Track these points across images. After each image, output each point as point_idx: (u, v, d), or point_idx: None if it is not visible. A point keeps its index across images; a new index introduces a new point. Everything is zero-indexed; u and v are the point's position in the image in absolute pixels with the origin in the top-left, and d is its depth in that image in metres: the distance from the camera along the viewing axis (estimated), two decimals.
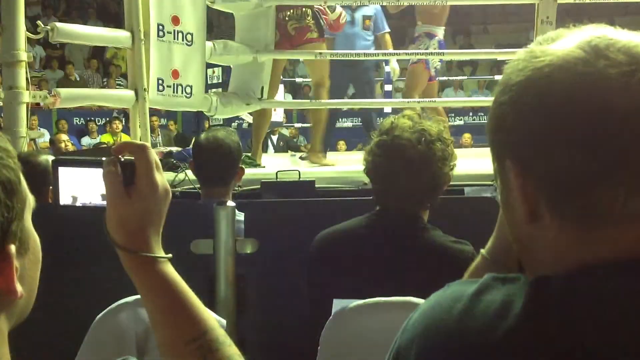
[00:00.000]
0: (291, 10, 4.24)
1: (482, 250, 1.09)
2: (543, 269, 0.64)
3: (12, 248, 0.65)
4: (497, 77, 9.64)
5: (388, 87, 7.37)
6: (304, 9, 4.26)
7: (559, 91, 0.61)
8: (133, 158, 0.90)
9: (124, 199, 0.88)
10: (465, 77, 12.33)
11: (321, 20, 4.36)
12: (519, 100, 0.63)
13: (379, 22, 5.19)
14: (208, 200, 2.46)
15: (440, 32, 4.97)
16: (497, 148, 0.67)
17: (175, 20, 3.53)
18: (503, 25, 17.13)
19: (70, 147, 7.93)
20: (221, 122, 7.20)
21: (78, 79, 11.49)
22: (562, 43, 0.64)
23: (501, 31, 16.88)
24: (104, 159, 0.91)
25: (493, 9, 17.13)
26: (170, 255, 0.92)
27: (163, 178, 0.92)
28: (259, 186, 3.05)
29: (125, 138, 10.17)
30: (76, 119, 10.99)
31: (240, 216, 2.37)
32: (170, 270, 0.91)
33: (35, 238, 0.70)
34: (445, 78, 10.34)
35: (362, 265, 1.75)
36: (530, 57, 0.64)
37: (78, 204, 0.94)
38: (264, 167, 4.23)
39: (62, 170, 0.93)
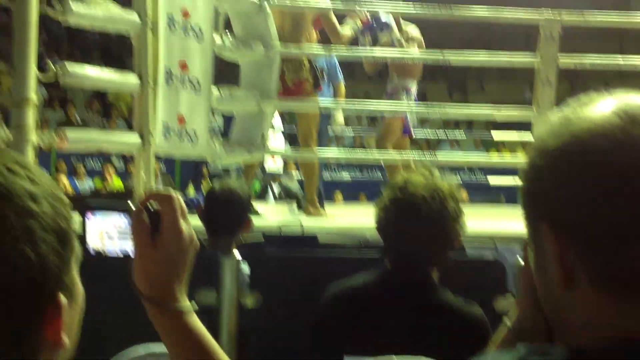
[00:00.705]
0: (289, 62, 4.30)
1: (506, 320, 1.07)
2: (577, 338, 0.63)
3: (63, 298, 0.64)
4: (494, 134, 9.77)
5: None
6: (301, 59, 4.33)
7: (598, 158, 0.61)
8: (159, 207, 0.89)
9: (151, 249, 0.88)
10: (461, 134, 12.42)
11: (317, 71, 4.41)
12: (557, 165, 0.63)
13: (333, 72, 5.20)
14: (213, 250, 2.44)
15: (414, 87, 4.99)
16: (532, 212, 0.67)
17: (183, 66, 3.56)
18: (499, 85, 17.40)
19: (70, 190, 7.91)
20: (220, 171, 7.20)
21: (79, 119, 11.54)
22: (597, 109, 0.64)
23: (497, 90, 17.13)
24: (131, 205, 0.91)
25: (489, 67, 17.41)
26: (196, 307, 0.91)
27: (189, 227, 0.91)
28: (260, 236, 3.03)
29: (117, 182, 10.16)
30: (73, 159, 10.99)
31: (244, 268, 2.35)
32: (195, 321, 0.90)
33: (80, 288, 0.70)
34: (442, 134, 10.43)
35: (372, 323, 1.73)
36: (566, 122, 0.65)
37: (104, 249, 0.94)
38: (262, 215, 4.21)
39: (89, 215, 0.93)
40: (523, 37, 15.95)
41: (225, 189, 2.49)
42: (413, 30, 4.93)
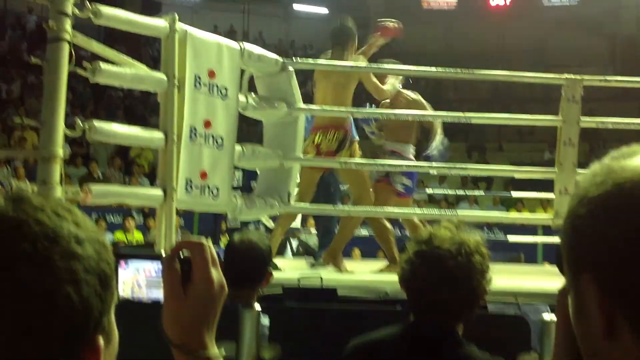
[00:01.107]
0: (325, 131, 4.53)
1: None
2: None
3: (101, 340, 0.66)
4: (514, 194, 9.76)
5: None
6: (331, 131, 4.53)
7: None
8: (190, 255, 0.91)
9: (181, 297, 0.89)
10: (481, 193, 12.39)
11: (348, 138, 4.59)
12: (599, 215, 0.63)
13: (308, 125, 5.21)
14: (234, 303, 2.45)
15: (409, 151, 4.94)
16: (573, 261, 0.67)
17: (208, 124, 3.65)
18: (518, 144, 17.43)
19: None
20: (238, 226, 7.23)
21: (101, 176, 11.70)
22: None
23: (516, 149, 17.15)
24: (162, 254, 0.93)
25: (508, 127, 17.50)
26: (224, 352, 0.92)
27: (220, 274, 0.93)
28: (279, 289, 3.03)
29: (137, 236, 10.23)
30: (94, 215, 11.09)
31: (264, 320, 2.36)
32: None
33: (116, 331, 0.72)
34: (462, 192, 10.41)
35: None
36: (609, 171, 0.65)
37: (134, 297, 0.95)
38: (283, 270, 4.21)
39: (121, 263, 0.95)
40: (540, 97, 16.07)
41: (245, 240, 2.51)
42: (412, 95, 4.97)
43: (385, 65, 4.68)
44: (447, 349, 1.73)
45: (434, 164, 4.90)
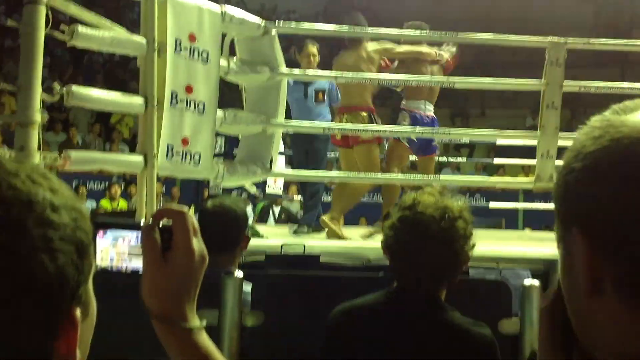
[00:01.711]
0: (350, 114, 4.73)
1: None
2: (601, 349, 0.62)
3: (78, 312, 0.63)
4: (496, 160, 9.82)
5: None
6: (360, 113, 4.73)
7: (638, 164, 0.59)
8: (170, 223, 0.89)
9: (162, 267, 0.87)
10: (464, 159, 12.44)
11: (374, 117, 4.81)
12: (595, 170, 0.62)
13: (334, 94, 5.35)
14: (213, 269, 2.44)
15: (420, 106, 5.02)
16: (564, 214, 0.65)
17: (189, 89, 3.59)
18: (500, 111, 17.47)
19: None
20: (221, 192, 7.20)
21: (80, 142, 11.58)
22: None
23: (499, 116, 17.20)
24: (142, 223, 0.90)
25: (491, 93, 17.52)
26: (205, 323, 0.90)
27: (201, 243, 0.91)
28: (262, 257, 3.03)
29: (122, 204, 10.18)
30: (75, 181, 11.00)
31: (247, 288, 2.35)
32: (204, 339, 0.89)
33: (94, 303, 0.69)
34: (444, 159, 10.44)
35: (380, 343, 1.72)
36: (608, 125, 0.63)
37: (113, 266, 0.93)
38: (266, 237, 4.21)
39: (100, 233, 0.92)
40: (524, 62, 16.07)
41: (218, 205, 2.49)
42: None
43: (370, 30, 4.63)
44: (430, 315, 1.73)
45: (418, 129, 4.89)
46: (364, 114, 4.76)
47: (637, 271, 0.59)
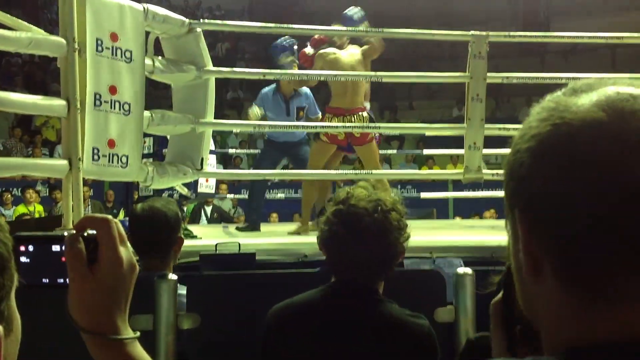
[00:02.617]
0: (354, 116, 4.86)
1: None
2: (544, 330, 0.63)
3: (1, 328, 0.60)
4: (425, 151, 9.99)
5: None
6: (362, 114, 4.90)
7: (581, 146, 0.59)
8: (95, 233, 0.85)
9: (88, 278, 0.83)
10: (395, 151, 12.60)
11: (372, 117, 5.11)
12: (536, 152, 0.62)
13: (312, 108, 5.64)
14: (147, 273, 2.38)
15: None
16: (509, 196, 0.65)
17: (113, 90, 3.49)
18: (427, 102, 17.80)
19: None
20: (151, 193, 7.07)
21: (1, 147, 11.15)
22: (585, 99, 0.62)
23: (426, 107, 17.52)
24: (65, 234, 0.85)
25: (418, 85, 17.82)
26: (138, 334, 0.87)
27: (129, 252, 0.87)
28: (197, 258, 2.98)
29: (39, 208, 9.84)
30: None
31: (182, 290, 2.30)
32: (138, 350, 0.85)
33: (18, 318, 0.66)
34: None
35: (319, 340, 1.71)
36: (555, 107, 0.63)
37: (37, 280, 0.88)
38: (200, 238, 4.16)
39: (22, 248, 0.87)
40: (448, 56, 16.42)
41: (147, 208, 2.43)
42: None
43: (295, 26, 4.63)
44: (369, 309, 1.74)
45: (349, 124, 4.93)
46: (365, 114, 4.96)
47: (572, 254, 0.59)
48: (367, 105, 5.31)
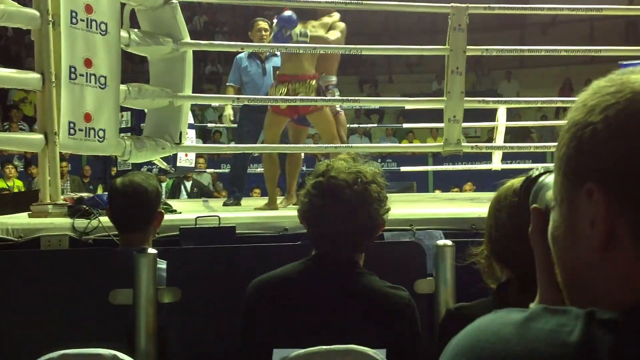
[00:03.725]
0: (300, 83, 4.57)
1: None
2: (599, 303, 0.62)
3: None
4: (405, 125, 9.98)
5: None
6: (309, 82, 4.59)
7: None
8: None
9: None
10: (375, 125, 12.60)
11: (322, 92, 4.72)
12: (617, 122, 0.62)
13: None
14: (127, 248, 2.37)
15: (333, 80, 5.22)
16: (573, 171, 0.65)
17: (88, 63, 3.43)
18: (407, 76, 17.78)
19: None
20: (130, 168, 7.02)
21: None
22: None
23: (406, 81, 17.50)
24: None
25: (398, 59, 17.77)
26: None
27: None
28: (177, 232, 2.96)
29: (18, 183, 9.74)
30: None
31: (162, 264, 2.29)
32: None
33: None
34: (355, 125, 10.54)
35: (300, 313, 1.71)
36: (623, 81, 0.64)
37: None
38: (180, 212, 4.12)
39: None
40: (428, 29, 16.37)
41: (127, 182, 2.41)
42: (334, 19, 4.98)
43: (284, 2, 4.57)
44: (350, 281, 1.74)
45: (328, 98, 4.90)
46: (313, 82, 4.63)
47: None
48: (333, 78, 5.16)
